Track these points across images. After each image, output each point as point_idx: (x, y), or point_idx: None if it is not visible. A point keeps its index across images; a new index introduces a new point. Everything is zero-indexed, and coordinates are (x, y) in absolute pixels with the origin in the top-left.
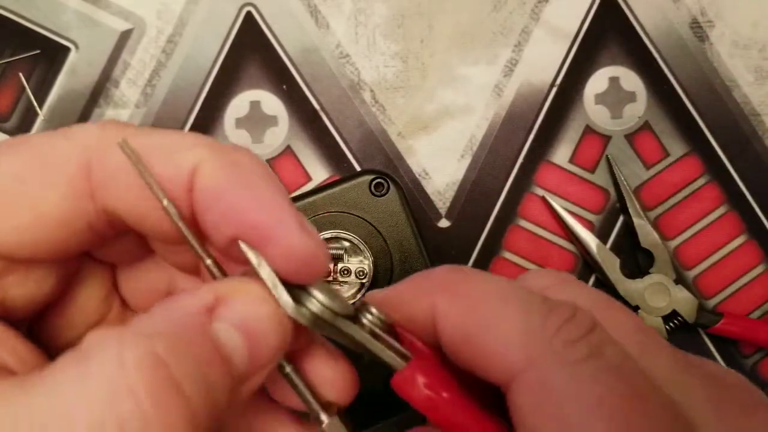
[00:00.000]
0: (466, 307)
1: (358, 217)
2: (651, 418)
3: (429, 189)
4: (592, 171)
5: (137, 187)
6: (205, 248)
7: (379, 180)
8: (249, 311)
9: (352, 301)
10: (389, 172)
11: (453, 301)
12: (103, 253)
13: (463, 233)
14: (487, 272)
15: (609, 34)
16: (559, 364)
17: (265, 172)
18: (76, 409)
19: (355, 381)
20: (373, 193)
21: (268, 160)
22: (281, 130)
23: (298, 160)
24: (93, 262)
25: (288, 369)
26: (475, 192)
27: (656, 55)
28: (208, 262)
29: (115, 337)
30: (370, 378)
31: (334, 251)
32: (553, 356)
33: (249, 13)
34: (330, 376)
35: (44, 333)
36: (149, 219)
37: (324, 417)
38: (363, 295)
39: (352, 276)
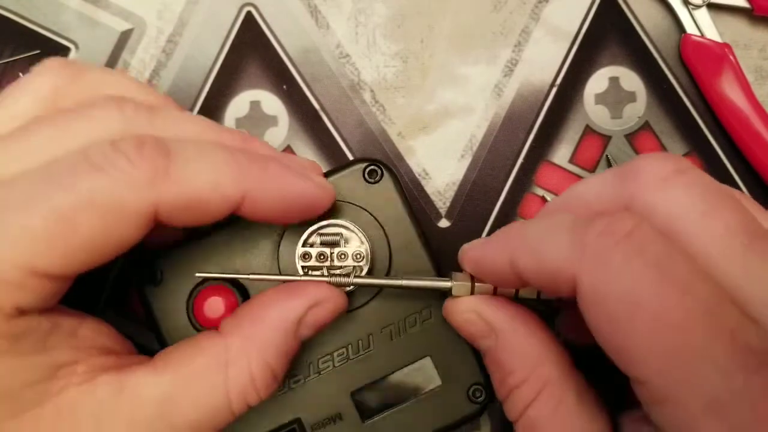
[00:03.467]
0: (531, 251)
1: (354, 204)
2: (686, 309)
3: (429, 189)
4: (592, 171)
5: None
6: None
7: (372, 167)
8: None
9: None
10: (381, 159)
11: (523, 252)
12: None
13: (463, 233)
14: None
15: (609, 34)
16: (595, 258)
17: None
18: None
19: None
20: (367, 180)
21: None
22: (281, 130)
23: None
24: None
25: (402, 281)
26: (475, 192)
27: (656, 55)
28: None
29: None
30: (380, 366)
31: (330, 238)
32: (591, 254)
33: (249, 13)
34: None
35: None
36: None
37: (449, 281)
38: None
39: (349, 260)
